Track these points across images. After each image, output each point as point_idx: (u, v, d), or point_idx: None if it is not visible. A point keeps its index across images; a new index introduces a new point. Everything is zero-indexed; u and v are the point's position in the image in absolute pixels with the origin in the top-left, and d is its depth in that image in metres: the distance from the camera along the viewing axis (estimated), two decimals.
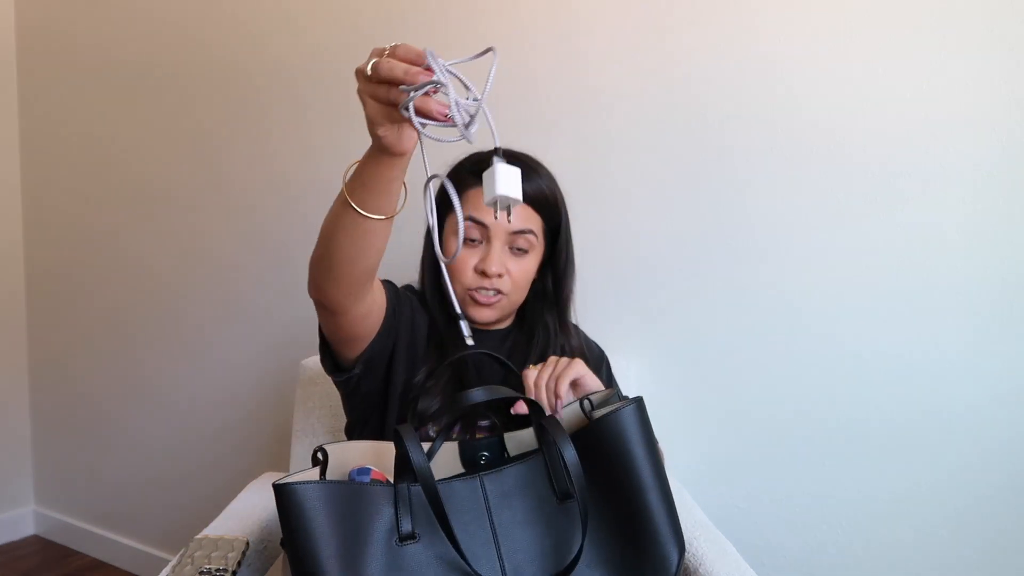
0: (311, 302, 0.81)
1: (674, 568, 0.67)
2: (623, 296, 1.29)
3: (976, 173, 1.04)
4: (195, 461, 1.87)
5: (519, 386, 0.82)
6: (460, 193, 0.89)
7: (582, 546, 0.64)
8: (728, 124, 1.19)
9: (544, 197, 0.92)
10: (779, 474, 1.19)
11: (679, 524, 0.69)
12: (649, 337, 1.27)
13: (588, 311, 1.29)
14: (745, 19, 1.17)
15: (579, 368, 0.79)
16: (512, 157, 0.90)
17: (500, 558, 0.65)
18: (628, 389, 1.13)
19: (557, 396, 0.78)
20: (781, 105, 1.15)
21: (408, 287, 1.02)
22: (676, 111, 1.23)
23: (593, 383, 0.80)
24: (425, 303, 0.97)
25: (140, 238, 1.92)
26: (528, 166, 0.92)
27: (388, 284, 0.94)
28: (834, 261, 1.13)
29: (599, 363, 1.03)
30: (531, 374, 0.81)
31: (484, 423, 0.91)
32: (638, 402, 0.71)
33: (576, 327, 1.03)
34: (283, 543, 0.65)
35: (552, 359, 0.82)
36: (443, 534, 0.62)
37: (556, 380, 0.78)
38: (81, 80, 2.00)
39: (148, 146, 1.88)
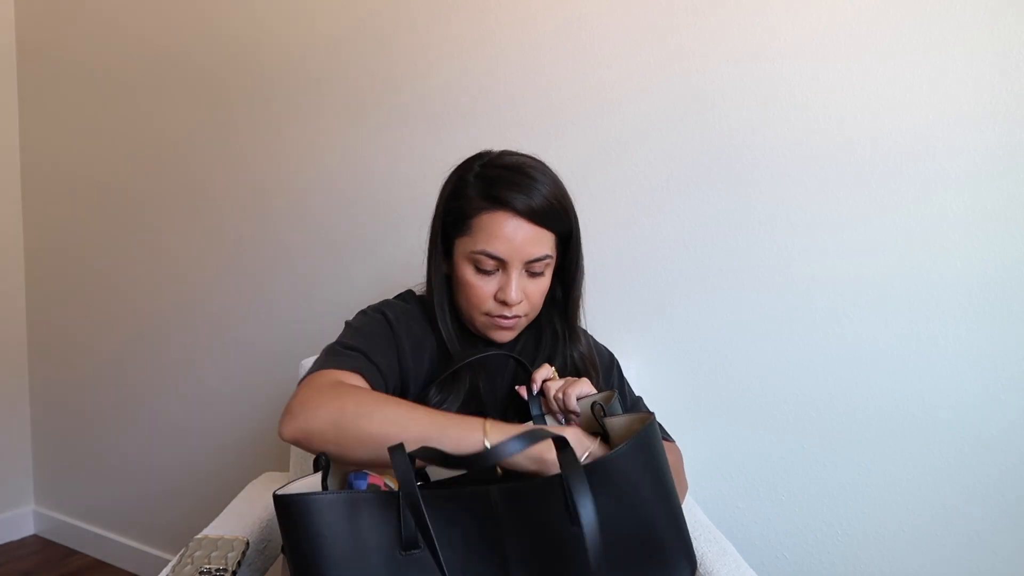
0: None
1: None
2: (624, 293, 1.29)
3: (976, 173, 1.04)
4: (195, 461, 1.87)
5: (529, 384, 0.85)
6: (468, 219, 0.86)
7: None
8: (729, 124, 1.19)
9: (554, 209, 0.87)
10: (779, 474, 1.19)
11: (690, 541, 0.67)
12: (651, 335, 1.27)
13: (590, 308, 1.29)
14: (748, 18, 1.16)
15: (585, 386, 0.80)
16: (514, 169, 0.87)
17: (502, 572, 0.63)
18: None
19: (573, 412, 0.79)
20: (782, 105, 1.15)
21: (407, 295, 1.00)
22: (678, 111, 1.23)
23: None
24: (428, 313, 0.95)
25: (139, 242, 1.92)
26: (533, 178, 0.86)
27: (387, 349, 0.88)
28: (835, 260, 1.13)
29: (609, 367, 1.02)
30: (542, 372, 0.83)
31: None
32: (644, 435, 0.66)
33: (584, 332, 1.02)
34: (283, 549, 0.65)
35: (563, 379, 0.83)
36: (450, 541, 0.61)
37: (564, 393, 0.79)
38: (80, 90, 2.00)
39: (147, 155, 1.88)
